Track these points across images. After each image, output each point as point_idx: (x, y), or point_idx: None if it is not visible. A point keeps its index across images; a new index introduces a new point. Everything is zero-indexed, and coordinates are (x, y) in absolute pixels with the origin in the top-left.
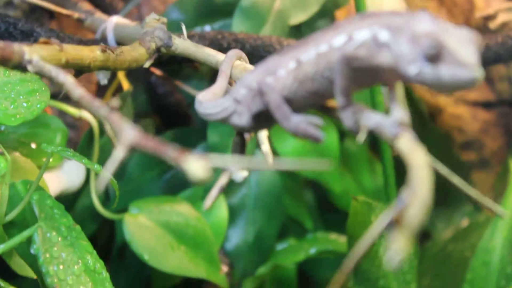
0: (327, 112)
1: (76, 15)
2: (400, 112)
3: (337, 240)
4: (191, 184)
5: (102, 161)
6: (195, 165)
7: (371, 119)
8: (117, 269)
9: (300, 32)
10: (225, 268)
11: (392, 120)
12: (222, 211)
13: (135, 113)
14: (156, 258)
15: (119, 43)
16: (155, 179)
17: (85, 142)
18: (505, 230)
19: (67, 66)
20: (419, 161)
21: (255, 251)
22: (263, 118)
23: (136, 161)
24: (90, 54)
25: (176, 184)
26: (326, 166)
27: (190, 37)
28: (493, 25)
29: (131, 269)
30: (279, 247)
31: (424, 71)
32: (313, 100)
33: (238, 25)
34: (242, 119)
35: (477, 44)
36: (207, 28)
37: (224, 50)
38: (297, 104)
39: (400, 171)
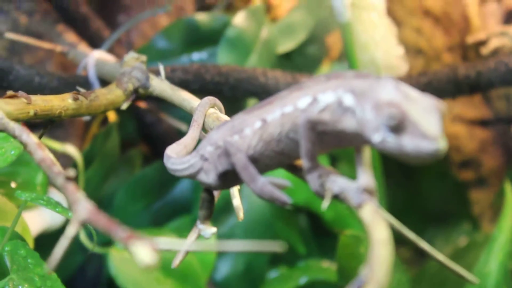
0: (295, 172)
1: (58, 48)
2: (366, 178)
3: (330, 268)
4: (179, 215)
5: (88, 194)
6: (142, 250)
7: (336, 184)
8: None
9: (290, 60)
10: None
11: (357, 187)
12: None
13: (123, 143)
14: None
15: (101, 79)
16: (142, 210)
17: None
18: (501, 255)
19: (36, 118)
20: (380, 236)
21: (245, 282)
22: (230, 177)
23: (123, 192)
24: (61, 103)
25: (163, 215)
26: (281, 248)
27: (173, 71)
28: (485, 50)
29: None
30: (271, 275)
31: (387, 140)
32: (280, 160)
33: (224, 56)
34: (209, 177)
35: (441, 112)
36: (195, 55)
37: (208, 83)
38: (263, 163)
39: (392, 193)
